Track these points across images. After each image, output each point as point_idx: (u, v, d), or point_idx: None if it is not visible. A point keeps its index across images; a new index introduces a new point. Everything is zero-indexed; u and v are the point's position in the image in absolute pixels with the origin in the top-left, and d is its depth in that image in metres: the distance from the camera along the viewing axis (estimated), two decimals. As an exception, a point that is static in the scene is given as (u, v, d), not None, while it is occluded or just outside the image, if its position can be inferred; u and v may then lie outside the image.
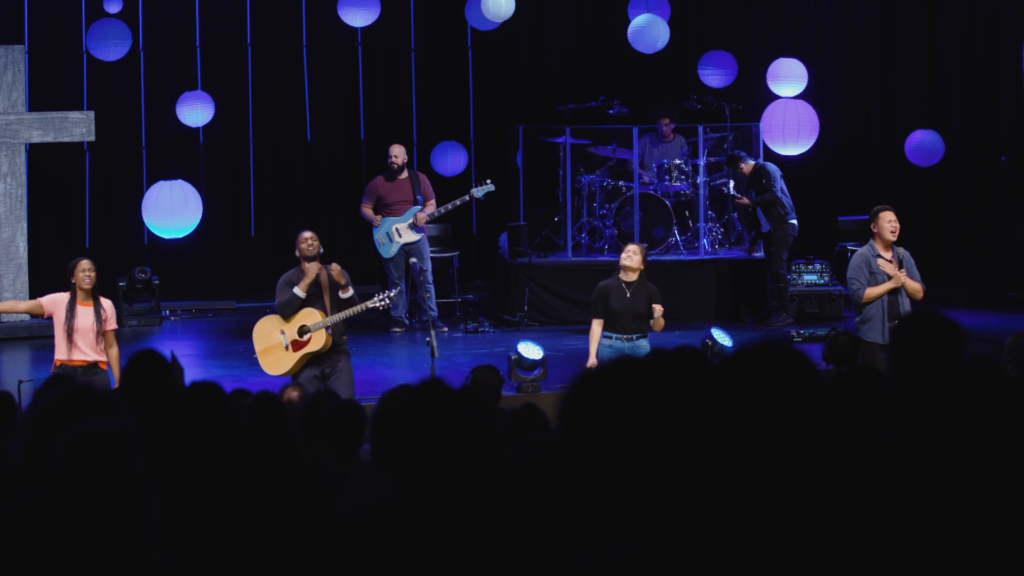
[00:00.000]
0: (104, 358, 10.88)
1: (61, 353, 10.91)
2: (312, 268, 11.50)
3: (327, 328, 11.42)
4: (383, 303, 11.81)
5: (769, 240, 16.28)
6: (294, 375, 11.37)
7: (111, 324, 10.98)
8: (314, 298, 11.54)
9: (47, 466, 3.25)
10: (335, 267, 11.57)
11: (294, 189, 19.71)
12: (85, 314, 10.90)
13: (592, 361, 11.51)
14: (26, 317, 16.10)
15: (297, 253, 11.65)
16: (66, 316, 10.87)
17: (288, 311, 11.49)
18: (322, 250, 11.71)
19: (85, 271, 10.93)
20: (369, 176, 18.43)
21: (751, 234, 16.88)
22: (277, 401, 5.96)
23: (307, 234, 11.71)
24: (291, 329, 11.48)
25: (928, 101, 19.11)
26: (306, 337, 11.44)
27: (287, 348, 11.48)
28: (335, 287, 11.55)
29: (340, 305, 11.52)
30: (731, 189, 16.98)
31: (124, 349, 15.16)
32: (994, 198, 18.47)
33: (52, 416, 3.74)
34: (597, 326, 11.61)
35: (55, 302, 11.01)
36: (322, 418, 6.77)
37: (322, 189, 19.70)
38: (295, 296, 11.46)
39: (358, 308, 11.54)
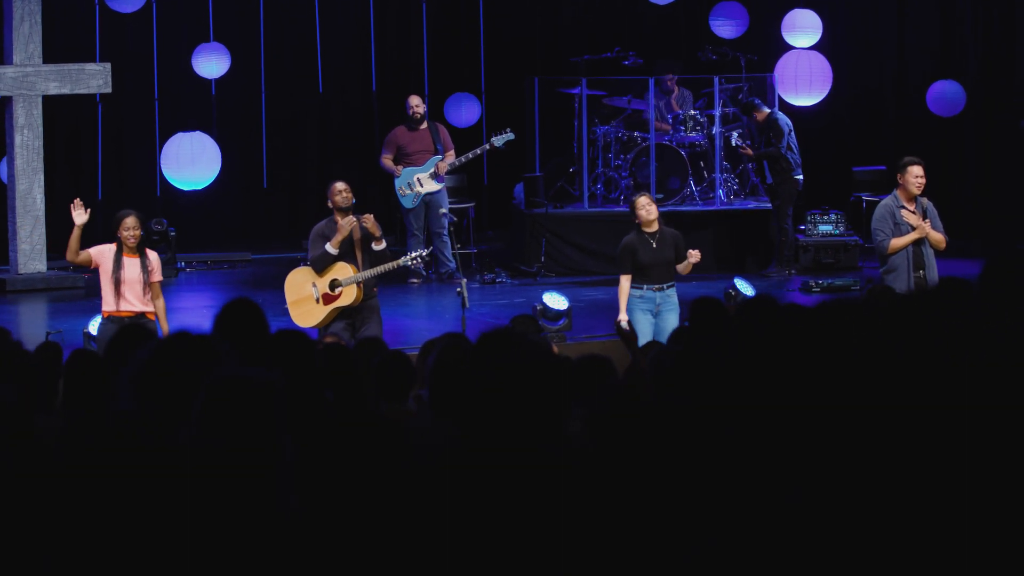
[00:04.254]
0: (151, 308, 10.94)
1: (109, 304, 10.97)
2: (346, 224, 11.34)
3: (358, 283, 11.41)
4: (415, 262, 11.81)
5: (774, 193, 16.30)
6: (323, 328, 11.37)
7: (157, 276, 11.05)
8: (347, 251, 11.45)
9: (193, 408, 3.28)
10: (369, 218, 11.44)
11: (307, 140, 19.71)
12: (132, 265, 10.95)
13: (623, 316, 11.45)
14: (43, 268, 16.14)
15: (330, 204, 11.49)
16: (113, 268, 10.92)
17: (321, 266, 11.43)
18: (355, 200, 11.58)
19: (130, 230, 10.98)
20: (382, 127, 18.41)
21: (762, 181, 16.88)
22: (347, 350, 6.02)
23: (340, 185, 11.49)
24: (323, 282, 11.43)
25: (942, 51, 19.12)
26: (337, 291, 11.40)
27: (318, 301, 11.46)
28: (368, 239, 11.43)
29: (372, 257, 11.44)
30: (736, 139, 16.94)
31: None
32: (1007, 149, 18.51)
33: (163, 362, 3.79)
34: (625, 281, 11.56)
35: (102, 253, 11.06)
36: (374, 367, 6.84)
37: (334, 140, 19.69)
38: (328, 253, 11.37)
39: (391, 265, 11.51)
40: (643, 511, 3.26)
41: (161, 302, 11.05)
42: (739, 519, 2.85)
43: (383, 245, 11.48)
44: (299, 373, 4.82)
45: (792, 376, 3.00)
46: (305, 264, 11.72)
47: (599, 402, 4.31)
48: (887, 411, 2.82)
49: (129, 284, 10.90)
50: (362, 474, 3.58)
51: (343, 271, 11.40)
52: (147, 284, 10.95)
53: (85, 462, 3.21)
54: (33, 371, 6.03)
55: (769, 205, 16.65)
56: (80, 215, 11.40)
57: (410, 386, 6.96)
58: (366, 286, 11.43)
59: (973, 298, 4.32)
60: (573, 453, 3.96)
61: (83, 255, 11.21)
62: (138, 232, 11.02)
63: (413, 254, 11.90)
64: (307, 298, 11.50)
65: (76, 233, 11.30)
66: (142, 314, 10.89)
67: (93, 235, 11.33)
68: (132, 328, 5.35)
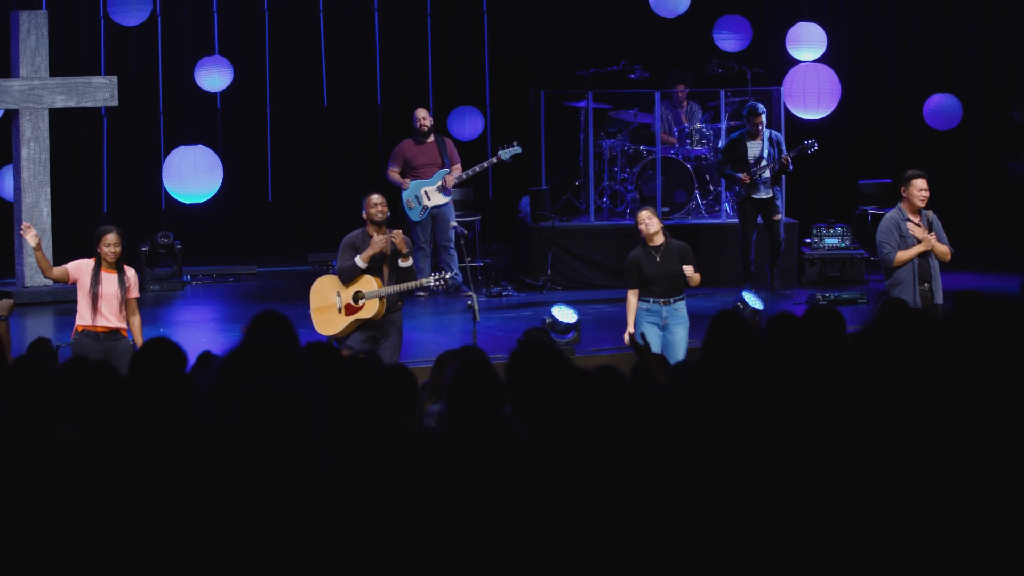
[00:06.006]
0: (125, 325, 10.96)
1: (84, 319, 10.95)
2: (379, 242, 11.33)
3: (381, 297, 11.39)
4: (438, 284, 11.80)
5: (770, 209, 16.19)
6: (343, 338, 11.37)
7: (134, 292, 11.04)
8: (374, 265, 11.43)
9: (229, 419, 3.30)
10: (398, 234, 11.42)
11: (310, 153, 19.73)
12: (110, 281, 10.96)
13: (631, 330, 11.50)
14: (49, 282, 16.12)
15: (364, 216, 11.48)
16: (91, 282, 10.91)
17: (347, 277, 11.43)
18: (389, 214, 11.58)
19: (110, 246, 10.95)
20: (386, 140, 18.45)
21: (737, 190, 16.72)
22: (366, 361, 6.04)
23: (376, 198, 11.49)
24: (347, 293, 11.43)
25: (943, 64, 19.16)
26: (360, 303, 11.40)
27: (340, 311, 11.47)
28: (396, 255, 11.42)
29: (399, 272, 11.44)
30: (784, 149, 16.58)
31: (149, 313, 15.34)
32: (1009, 160, 18.56)
33: (239, 372, 3.80)
34: (633, 296, 11.65)
35: (80, 268, 11.05)
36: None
37: (338, 154, 19.72)
38: (356, 267, 11.36)
39: (413, 284, 11.51)
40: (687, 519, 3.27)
41: (137, 319, 11.05)
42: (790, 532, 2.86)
43: (410, 262, 11.48)
44: (331, 384, 4.84)
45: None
46: (332, 272, 11.74)
47: (644, 411, 4.32)
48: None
49: (107, 299, 10.90)
50: (398, 483, 3.60)
51: (368, 284, 11.39)
52: (123, 300, 10.94)
53: (170, 471, 3.22)
54: (54, 382, 6.05)
55: (735, 220, 16.45)
56: (32, 238, 11.41)
57: (415, 398, 7.01)
58: (389, 301, 11.42)
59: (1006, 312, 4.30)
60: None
61: (58, 271, 11.20)
62: (118, 248, 10.99)
63: (439, 275, 11.89)
64: (330, 307, 11.51)
65: (39, 255, 11.36)
66: (116, 330, 10.92)
67: (94, 248, 11.28)
68: (158, 343, 5.36)
